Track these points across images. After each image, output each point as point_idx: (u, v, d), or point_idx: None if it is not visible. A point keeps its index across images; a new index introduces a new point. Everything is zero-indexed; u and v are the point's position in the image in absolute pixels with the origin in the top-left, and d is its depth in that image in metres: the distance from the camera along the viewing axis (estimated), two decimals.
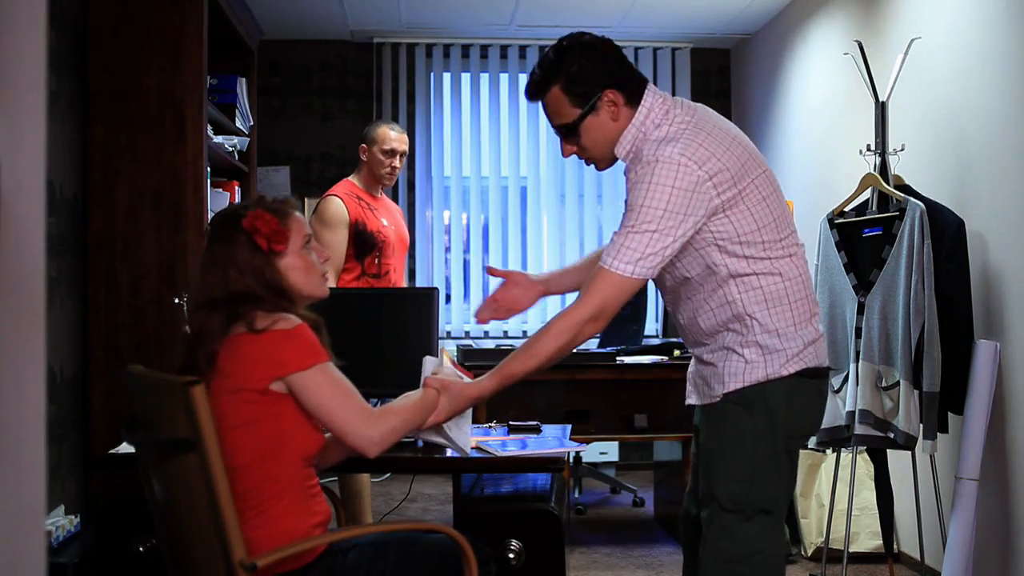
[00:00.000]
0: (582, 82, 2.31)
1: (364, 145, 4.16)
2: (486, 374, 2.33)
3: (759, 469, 2.24)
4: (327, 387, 2.08)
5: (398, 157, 4.10)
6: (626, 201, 2.27)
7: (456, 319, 6.23)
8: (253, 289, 2.09)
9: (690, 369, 2.44)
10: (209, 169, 4.19)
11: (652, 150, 2.23)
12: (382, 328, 3.19)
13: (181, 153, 3.94)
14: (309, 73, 6.21)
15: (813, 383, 2.29)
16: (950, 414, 3.43)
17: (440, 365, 2.39)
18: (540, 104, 2.40)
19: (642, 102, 2.33)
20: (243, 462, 2.03)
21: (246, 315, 2.06)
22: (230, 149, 4.67)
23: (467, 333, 6.21)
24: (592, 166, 2.45)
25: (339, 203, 4.07)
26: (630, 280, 2.20)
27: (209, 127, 4.21)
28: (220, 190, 4.61)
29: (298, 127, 6.17)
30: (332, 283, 3.97)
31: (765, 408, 2.23)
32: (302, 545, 2.03)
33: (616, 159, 2.36)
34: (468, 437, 2.39)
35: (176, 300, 3.21)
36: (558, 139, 2.40)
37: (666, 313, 4.78)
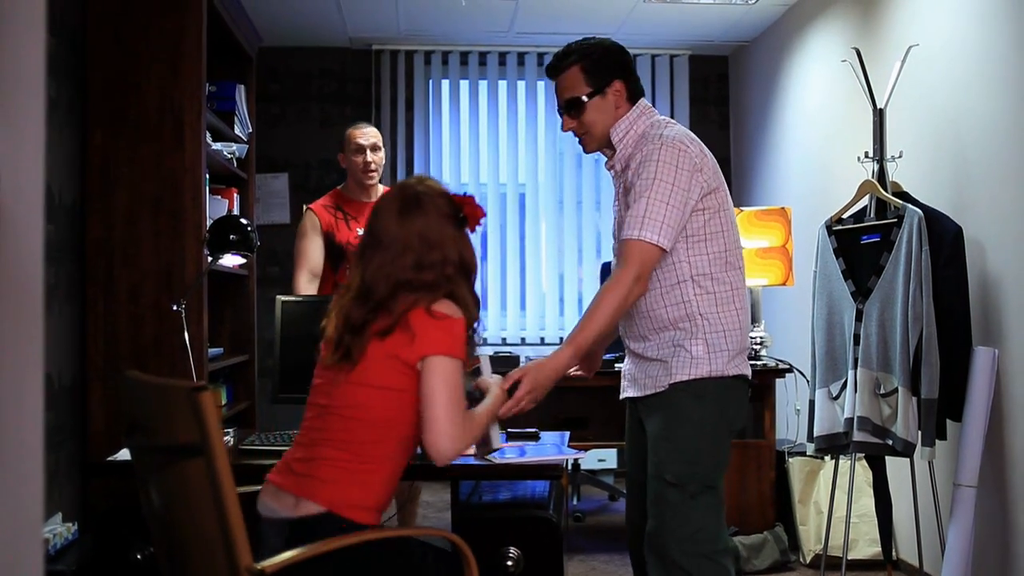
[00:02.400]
0: (599, 66, 2.60)
1: (341, 154, 4.18)
2: (560, 347, 2.47)
3: (705, 451, 2.47)
4: (447, 380, 2.11)
5: (368, 152, 4.05)
6: (622, 186, 2.58)
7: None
8: (452, 271, 2.17)
9: (626, 366, 2.65)
10: (208, 176, 4.19)
11: (657, 132, 2.52)
12: None
13: (180, 160, 3.95)
14: (308, 80, 6.21)
15: (744, 389, 2.57)
16: (948, 421, 3.43)
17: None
18: (554, 85, 2.68)
19: (637, 102, 2.64)
20: (366, 417, 2.12)
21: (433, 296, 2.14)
22: (229, 156, 4.67)
23: (484, 340, 6.20)
24: (582, 148, 2.70)
25: (310, 214, 4.12)
26: (657, 248, 2.42)
27: (208, 134, 4.22)
28: (219, 197, 4.61)
29: (297, 134, 6.17)
30: (304, 281, 4.02)
31: (713, 399, 2.47)
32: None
33: (605, 142, 2.61)
34: (499, 436, 2.41)
35: (175, 307, 3.20)
36: (559, 118, 2.66)
37: None
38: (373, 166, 4.07)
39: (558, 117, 2.69)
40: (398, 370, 2.11)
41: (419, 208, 2.20)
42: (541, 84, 6.25)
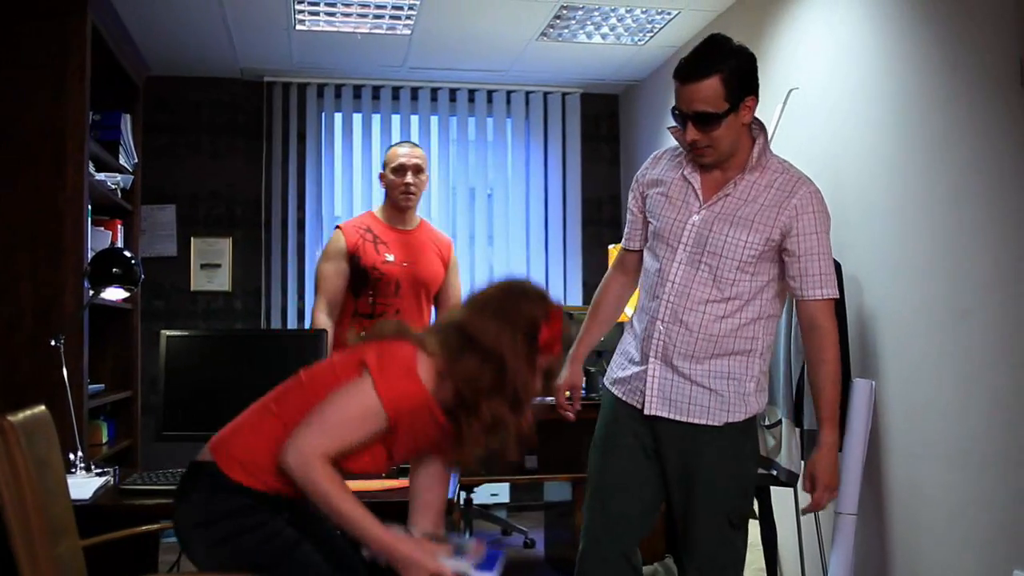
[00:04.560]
0: (740, 79, 2.45)
1: (381, 172, 3.93)
2: (824, 430, 2.55)
3: (751, 487, 2.64)
4: (346, 404, 2.05)
5: (409, 173, 3.82)
6: (721, 204, 2.55)
7: None
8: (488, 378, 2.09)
9: (654, 380, 2.55)
10: (90, 207, 4.08)
11: (783, 162, 2.60)
12: (269, 370, 3.13)
13: (60, 190, 3.84)
14: (198, 111, 6.10)
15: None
16: None
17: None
18: (688, 86, 2.46)
19: (756, 118, 2.56)
20: (305, 378, 2.15)
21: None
22: (113, 186, 4.56)
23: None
24: (696, 157, 2.56)
25: (338, 233, 3.86)
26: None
27: (91, 164, 4.11)
28: (102, 228, 4.49)
29: (185, 165, 6.05)
30: (322, 315, 3.78)
31: (754, 435, 2.63)
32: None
33: (726, 157, 2.53)
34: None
35: (53, 341, 3.09)
36: (681, 120, 2.50)
37: None
38: (413, 188, 3.83)
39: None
40: (347, 375, 2.09)
41: (502, 315, 2.13)
42: (435, 119, 6.27)
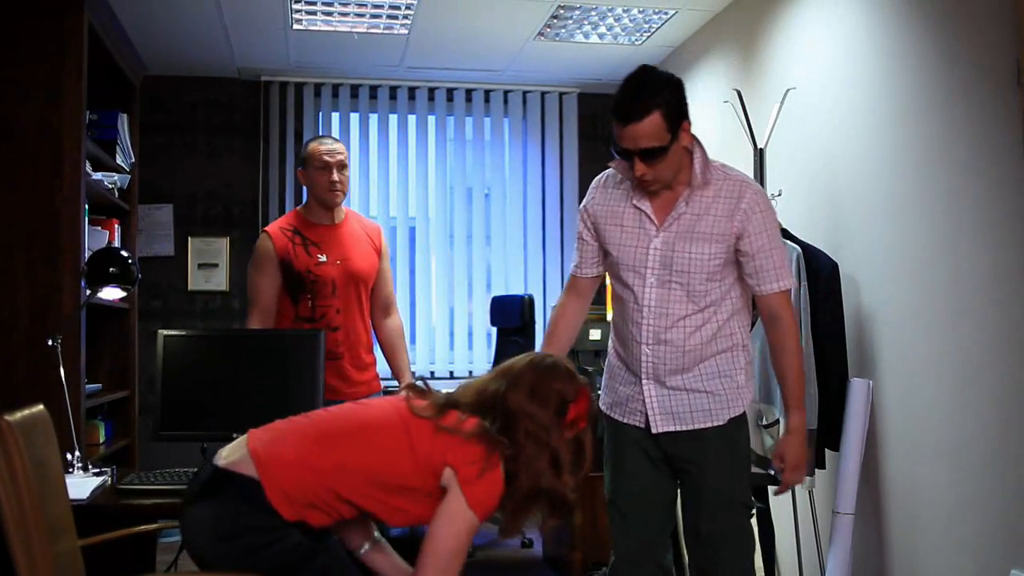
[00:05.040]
0: (676, 110, 2.55)
1: (300, 169, 3.75)
2: (784, 416, 2.70)
3: (750, 468, 2.77)
4: (447, 530, 2.13)
5: (335, 170, 3.64)
6: (676, 221, 2.63)
7: None
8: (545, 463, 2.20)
9: (652, 400, 2.66)
10: (87, 206, 4.07)
11: (723, 169, 2.66)
12: (267, 370, 3.13)
13: (57, 189, 3.83)
14: (195, 110, 6.10)
15: None
16: (827, 450, 3.53)
17: None
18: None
19: (693, 136, 2.64)
20: (365, 426, 2.20)
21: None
22: (110, 186, 4.55)
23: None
24: (643, 187, 2.63)
25: (265, 238, 3.66)
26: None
27: (88, 163, 4.10)
28: (99, 228, 4.49)
29: (183, 165, 6.04)
30: (256, 327, 3.62)
31: (747, 426, 2.72)
32: None
33: (669, 182, 2.61)
34: None
35: (50, 341, 3.09)
36: (628, 157, 2.56)
37: None
38: (339, 185, 3.66)
39: (606, 152, 2.75)
40: (428, 441, 2.16)
41: (536, 394, 2.25)
42: (432, 119, 6.27)
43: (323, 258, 3.64)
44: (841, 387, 3.47)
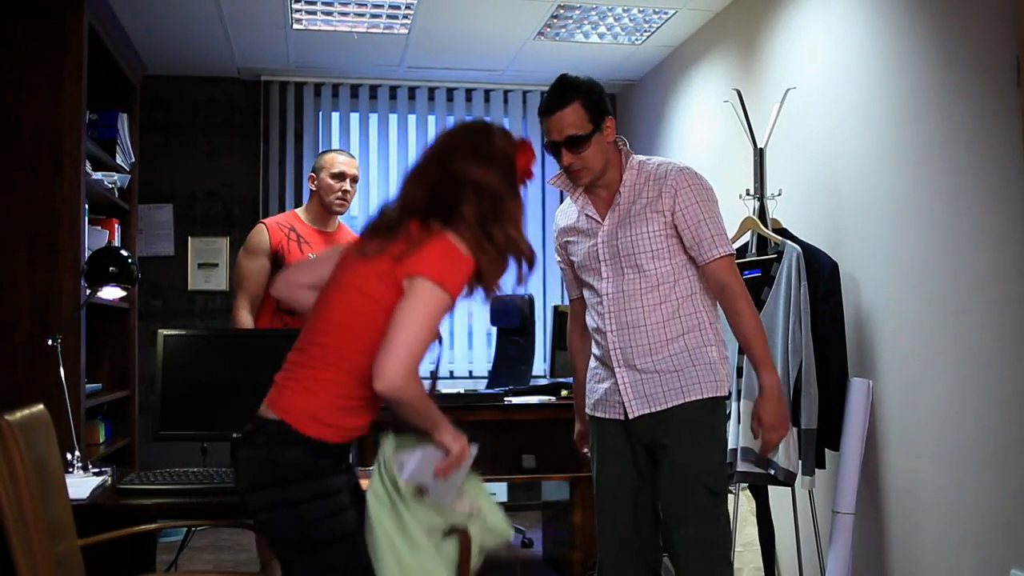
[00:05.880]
0: (596, 104, 2.74)
1: (312, 174, 3.94)
2: (763, 373, 2.64)
3: (723, 463, 2.76)
4: (424, 308, 2.01)
5: (348, 181, 3.87)
6: (617, 214, 2.74)
7: None
8: (485, 210, 2.12)
9: (626, 385, 2.71)
10: (87, 206, 4.07)
11: (653, 162, 2.77)
12: (267, 370, 3.12)
13: (57, 189, 3.83)
14: (195, 110, 6.10)
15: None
16: (827, 450, 3.53)
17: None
18: (549, 117, 2.76)
19: (620, 138, 2.83)
20: (343, 324, 2.08)
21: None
22: (110, 186, 4.55)
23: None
24: (572, 180, 2.79)
25: (262, 229, 3.85)
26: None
27: (88, 163, 4.10)
28: (99, 228, 4.48)
29: (183, 165, 6.05)
30: (244, 312, 3.76)
31: (721, 415, 2.74)
32: None
33: (599, 175, 2.75)
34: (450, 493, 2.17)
35: (50, 341, 3.08)
36: (556, 150, 2.74)
37: (554, 353, 4.81)
38: (349, 196, 3.89)
39: (544, 152, 2.83)
40: (385, 282, 2.06)
41: (478, 156, 2.19)
42: (432, 118, 6.27)
43: (313, 256, 3.71)
44: (841, 387, 3.47)
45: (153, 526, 2.71)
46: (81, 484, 2.73)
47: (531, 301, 5.40)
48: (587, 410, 2.87)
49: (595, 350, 2.84)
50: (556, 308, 5.30)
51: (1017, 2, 2.80)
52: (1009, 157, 2.86)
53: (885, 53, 3.51)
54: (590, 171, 2.74)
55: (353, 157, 4.01)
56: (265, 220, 3.92)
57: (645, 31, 5.23)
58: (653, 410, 2.68)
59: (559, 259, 2.98)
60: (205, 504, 2.71)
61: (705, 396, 2.67)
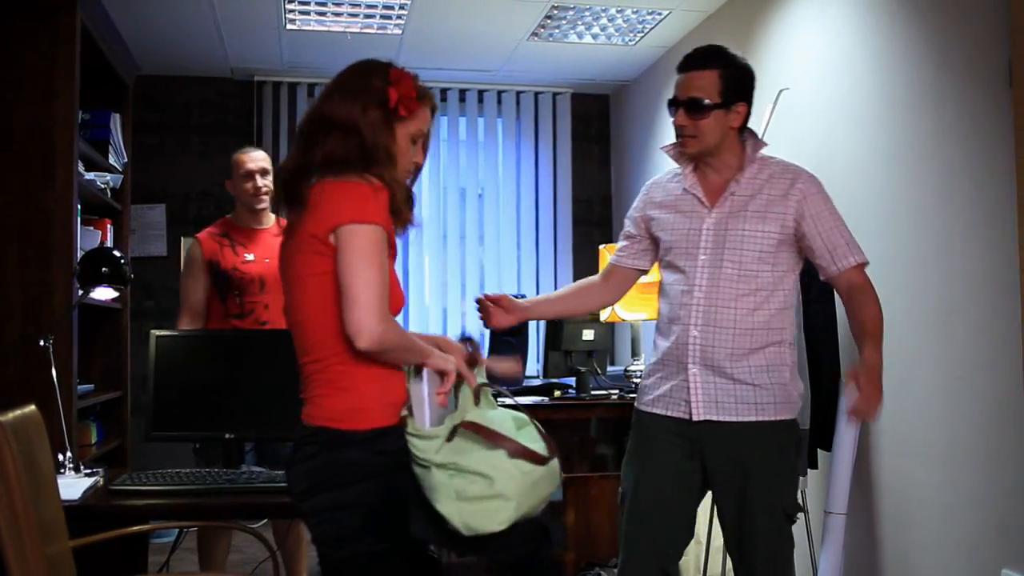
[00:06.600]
0: (735, 83, 2.60)
1: (228, 180, 3.95)
2: (869, 348, 2.56)
3: (796, 478, 2.70)
4: (360, 250, 1.94)
5: (258, 176, 3.86)
6: (729, 204, 2.63)
7: None
8: (354, 150, 2.03)
9: (699, 383, 2.59)
10: (80, 206, 4.06)
11: (780, 162, 2.68)
12: (259, 370, 3.12)
13: (50, 189, 3.82)
14: (188, 110, 6.09)
15: None
16: (819, 451, 3.54)
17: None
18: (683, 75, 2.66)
19: (748, 129, 2.69)
20: (307, 315, 2.02)
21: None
22: (102, 186, 4.54)
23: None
24: (681, 146, 2.68)
25: (195, 244, 3.86)
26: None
27: (80, 163, 4.09)
28: (91, 228, 4.47)
29: (176, 165, 6.04)
30: (185, 328, 3.77)
31: (798, 431, 2.70)
32: None
33: (710, 151, 2.63)
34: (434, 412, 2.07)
35: (42, 341, 3.08)
36: (674, 109, 2.66)
37: (547, 354, 4.81)
38: (264, 190, 3.86)
39: (671, 110, 2.68)
40: (316, 250, 1.99)
41: (343, 90, 2.09)
42: None
43: (250, 256, 3.83)
44: (834, 387, 3.47)
45: (145, 527, 2.71)
46: (73, 485, 2.73)
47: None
48: (644, 407, 2.72)
49: (661, 344, 2.70)
50: None
51: (1009, 4, 2.81)
52: (1001, 158, 2.87)
53: (878, 54, 3.52)
54: (700, 142, 2.61)
55: (258, 149, 3.97)
56: (198, 234, 3.92)
57: (639, 32, 5.23)
58: (721, 419, 2.57)
59: (632, 229, 2.84)
60: (197, 505, 2.70)
61: (778, 418, 2.59)
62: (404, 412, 2.03)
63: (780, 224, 2.59)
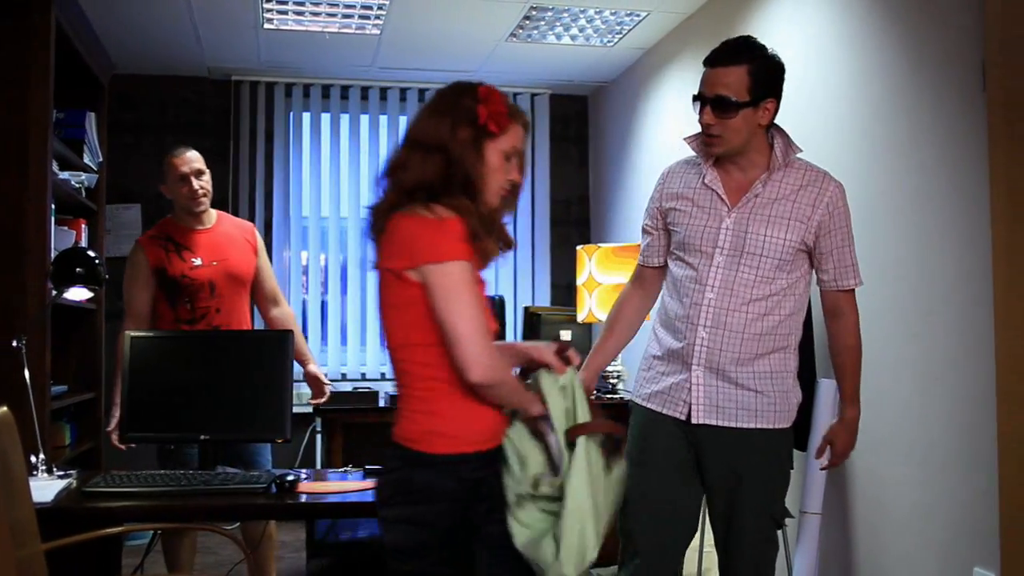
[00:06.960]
0: (765, 79, 2.51)
1: (163, 186, 3.81)
2: (845, 407, 2.72)
3: (788, 485, 2.69)
4: (443, 290, 1.98)
5: (193, 178, 3.72)
6: (753, 200, 2.58)
7: (332, 361, 6.09)
8: (430, 173, 2.03)
9: (702, 385, 2.56)
10: (54, 206, 4.03)
11: (806, 162, 2.63)
12: (234, 372, 3.11)
13: (23, 189, 3.79)
14: (164, 109, 6.05)
15: None
16: (795, 451, 3.55)
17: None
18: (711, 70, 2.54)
19: (776, 125, 2.63)
20: (395, 343, 2.09)
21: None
22: (77, 186, 4.51)
23: (344, 375, 6.11)
24: (706, 145, 2.61)
25: (137, 248, 3.72)
26: None
27: (55, 162, 4.06)
28: (66, 228, 4.44)
29: (151, 164, 5.97)
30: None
31: (792, 441, 2.68)
32: None
33: (736, 150, 2.56)
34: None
35: (15, 342, 3.05)
36: (699, 104, 2.55)
37: None
38: (201, 191, 3.74)
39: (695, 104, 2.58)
40: (393, 283, 2.05)
41: (436, 112, 2.10)
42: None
43: (197, 261, 3.71)
44: (809, 388, 3.48)
45: (119, 529, 2.69)
46: (45, 487, 2.71)
47: (501, 302, 5.40)
48: (639, 400, 2.70)
49: (665, 339, 2.66)
50: (527, 309, 5.30)
51: (983, 7, 2.83)
52: (976, 160, 2.89)
53: (853, 57, 3.54)
54: (726, 142, 2.54)
55: (190, 150, 3.82)
56: (140, 239, 3.80)
57: (617, 33, 5.24)
58: (719, 423, 2.55)
59: (649, 223, 2.78)
60: (172, 507, 2.69)
61: (777, 426, 2.59)
62: (538, 471, 2.06)
63: (801, 235, 2.56)
